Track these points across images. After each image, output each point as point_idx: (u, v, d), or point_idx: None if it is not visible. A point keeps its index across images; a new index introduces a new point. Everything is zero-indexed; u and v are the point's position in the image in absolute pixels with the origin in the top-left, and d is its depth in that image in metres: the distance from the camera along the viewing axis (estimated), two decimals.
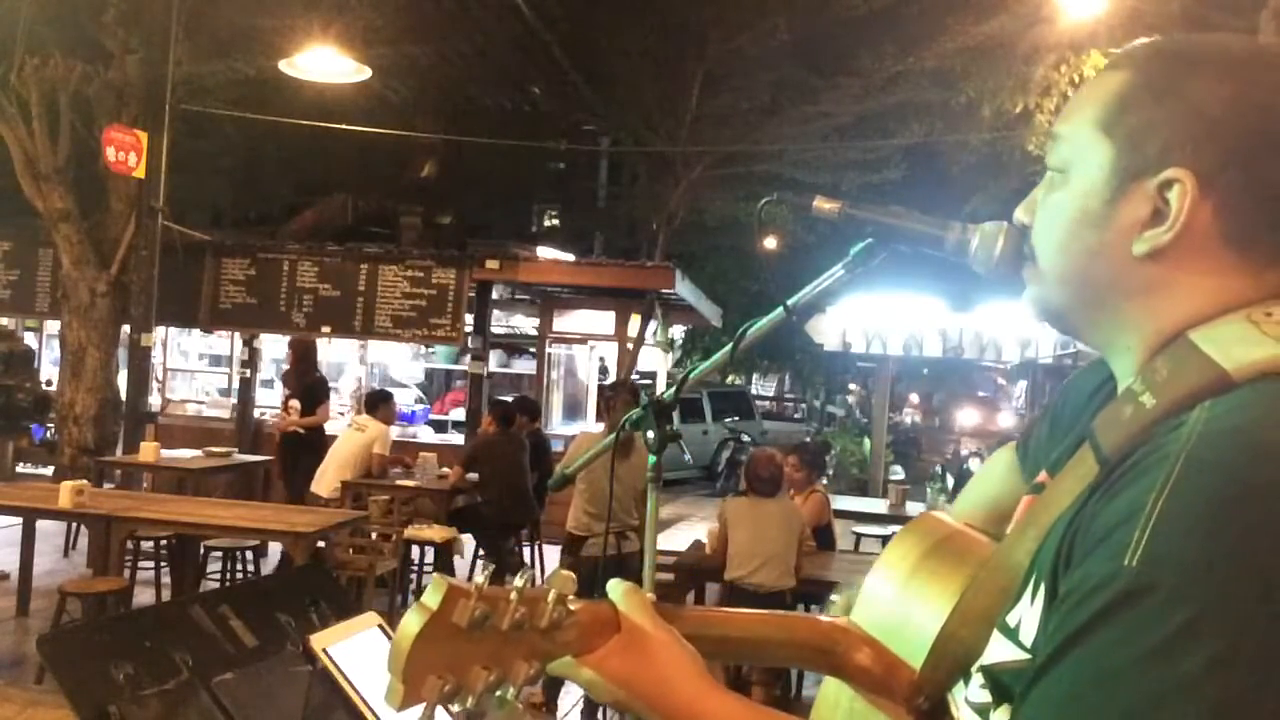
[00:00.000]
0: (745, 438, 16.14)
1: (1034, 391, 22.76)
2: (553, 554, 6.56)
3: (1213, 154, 0.72)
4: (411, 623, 0.69)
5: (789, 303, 1.24)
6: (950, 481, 12.56)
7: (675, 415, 1.50)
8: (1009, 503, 0.94)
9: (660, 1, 12.07)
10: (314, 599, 1.61)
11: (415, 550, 6.81)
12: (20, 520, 5.98)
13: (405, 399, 13.23)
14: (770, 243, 14.45)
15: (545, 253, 12.00)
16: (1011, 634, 0.72)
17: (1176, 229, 0.73)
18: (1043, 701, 0.63)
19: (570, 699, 4.91)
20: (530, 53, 12.66)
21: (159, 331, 9.42)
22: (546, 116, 15.42)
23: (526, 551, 7.28)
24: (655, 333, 12.12)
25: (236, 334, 11.08)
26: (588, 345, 11.67)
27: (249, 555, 6.12)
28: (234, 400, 10.79)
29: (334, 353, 13.00)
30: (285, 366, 8.76)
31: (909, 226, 1.00)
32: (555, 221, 20.76)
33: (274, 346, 10.95)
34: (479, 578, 0.72)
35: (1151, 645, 0.58)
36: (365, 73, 8.27)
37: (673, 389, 1.45)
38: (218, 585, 5.83)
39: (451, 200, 15.29)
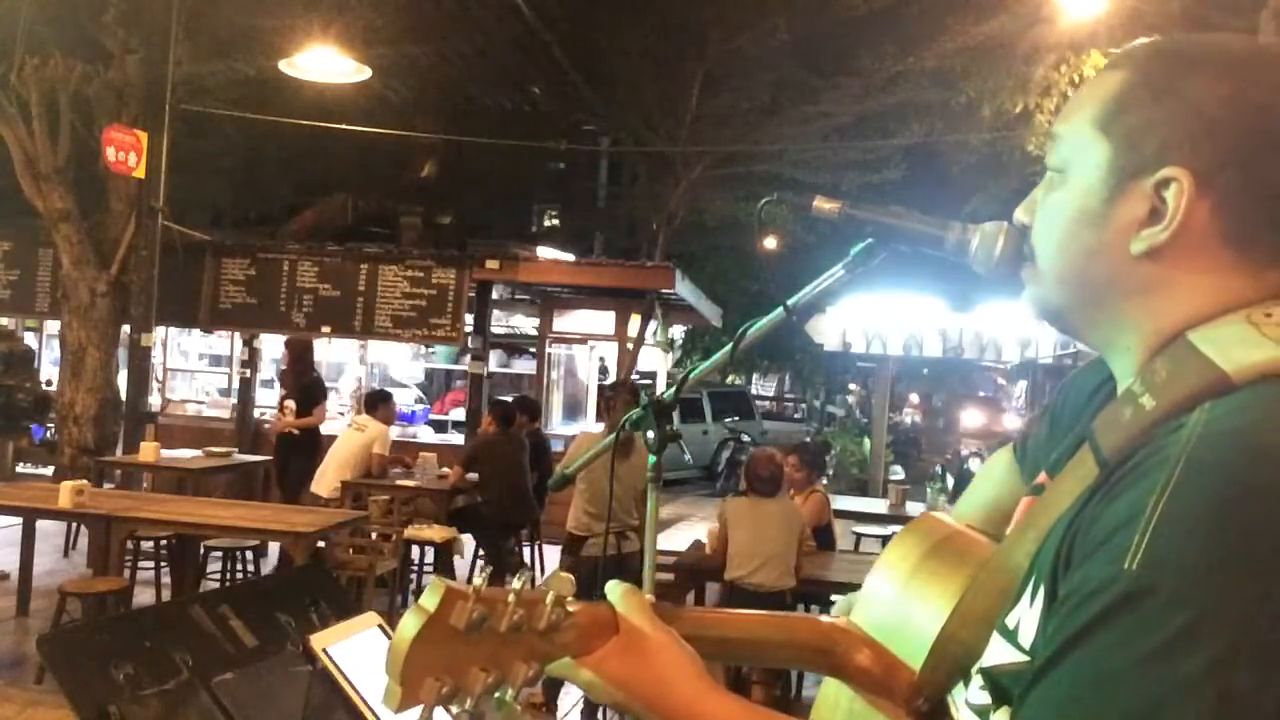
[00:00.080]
0: (745, 438, 16.14)
1: (1034, 391, 22.77)
2: (553, 554, 6.55)
3: (1210, 153, 0.72)
4: (409, 625, 0.69)
5: (789, 303, 1.24)
6: (950, 481, 12.57)
7: (675, 415, 1.50)
8: (1009, 503, 0.94)
9: (660, 1, 12.07)
10: (314, 599, 1.61)
11: (415, 550, 6.81)
12: (20, 520, 5.99)
13: (405, 399, 13.23)
14: (770, 243, 14.45)
15: (545, 253, 12.00)
16: (1011, 636, 0.72)
17: (1174, 228, 0.73)
18: (1042, 704, 0.63)
19: (570, 699, 4.91)
20: (530, 53, 12.66)
21: (159, 331, 9.42)
22: (546, 116, 15.43)
23: (526, 551, 7.28)
24: (655, 333, 12.12)
25: (236, 334, 11.08)
26: (588, 345, 11.67)
27: (249, 555, 6.12)
28: (234, 400, 10.79)
29: (334, 353, 13.00)
30: (283, 367, 8.76)
31: (909, 226, 1.00)
32: (555, 221, 20.77)
33: (274, 346, 10.95)
34: (478, 580, 0.72)
35: (1151, 648, 0.58)
36: (365, 73, 8.28)
37: (673, 389, 1.45)
38: (218, 585, 5.83)
39: (451, 200, 15.29)
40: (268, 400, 10.82)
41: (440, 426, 12.33)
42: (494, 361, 12.23)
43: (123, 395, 9.03)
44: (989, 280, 0.92)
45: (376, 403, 7.24)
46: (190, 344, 13.25)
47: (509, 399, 7.66)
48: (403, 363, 14.71)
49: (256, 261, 9.88)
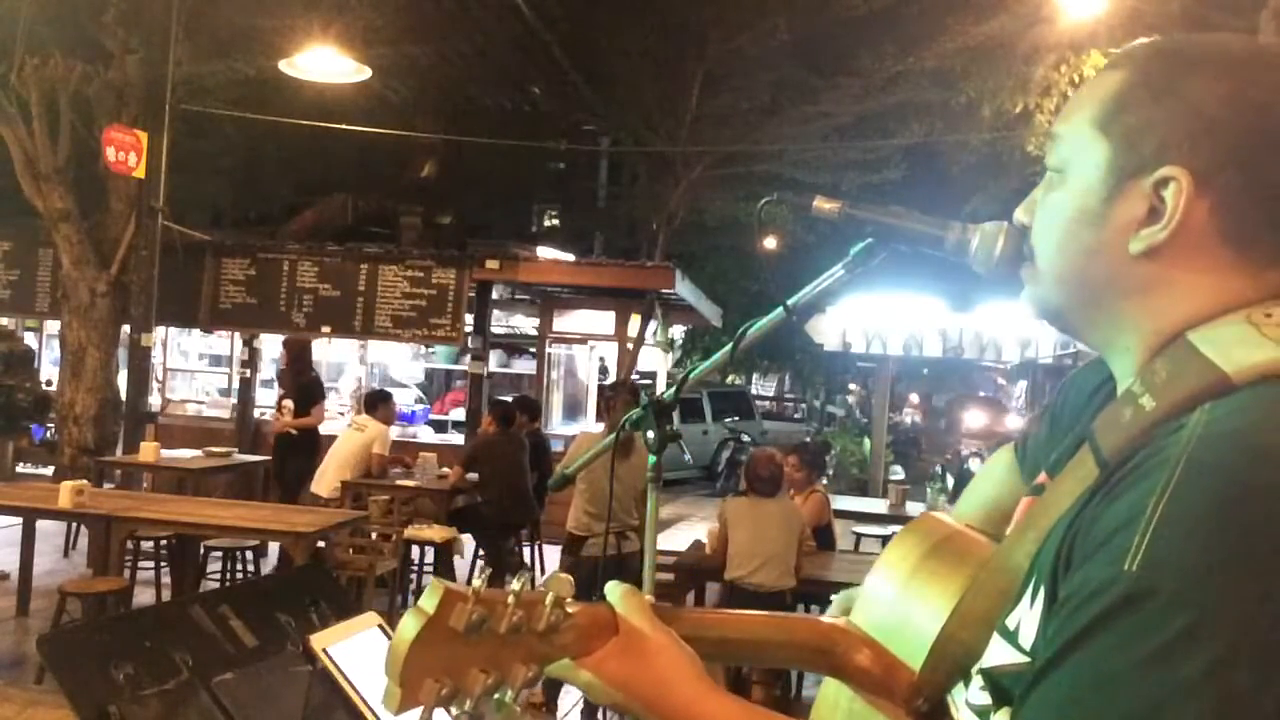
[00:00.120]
0: (745, 438, 16.14)
1: (1034, 391, 22.77)
2: (553, 554, 6.56)
3: (1209, 152, 0.72)
4: (408, 627, 0.69)
5: (789, 303, 1.24)
6: (950, 481, 12.57)
7: (675, 415, 1.50)
8: (1009, 503, 0.94)
9: (660, 1, 12.08)
10: (314, 599, 1.61)
11: (415, 550, 6.81)
12: (20, 520, 5.98)
13: (405, 399, 13.23)
14: (770, 243, 14.46)
15: (545, 253, 12.00)
16: (1011, 637, 0.72)
17: (1172, 227, 0.73)
18: (1042, 705, 0.63)
19: (570, 699, 4.91)
20: (530, 53, 12.67)
21: (159, 331, 9.42)
22: (546, 116, 15.43)
23: (526, 551, 7.28)
24: (655, 333, 12.12)
25: (236, 334, 11.08)
26: (588, 345, 11.67)
27: (249, 555, 6.12)
28: (234, 400, 10.79)
29: (334, 353, 13.00)
30: (281, 367, 8.76)
31: (909, 226, 1.00)
32: (555, 221, 20.77)
33: (274, 346, 10.94)
34: (477, 581, 0.72)
35: (1152, 649, 0.58)
36: (365, 73, 8.28)
37: (673, 389, 1.45)
38: (218, 585, 5.83)
39: (451, 200, 15.30)
40: (268, 400, 10.82)
41: (440, 426, 12.34)
42: (494, 361, 12.23)
43: (123, 395, 9.03)
44: (989, 280, 0.92)
45: (376, 403, 7.24)
46: (190, 344, 13.25)
47: (509, 399, 7.65)
48: (403, 363, 14.71)
49: (256, 261, 9.88)
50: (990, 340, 12.32)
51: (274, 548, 6.21)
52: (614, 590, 0.84)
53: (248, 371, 10.50)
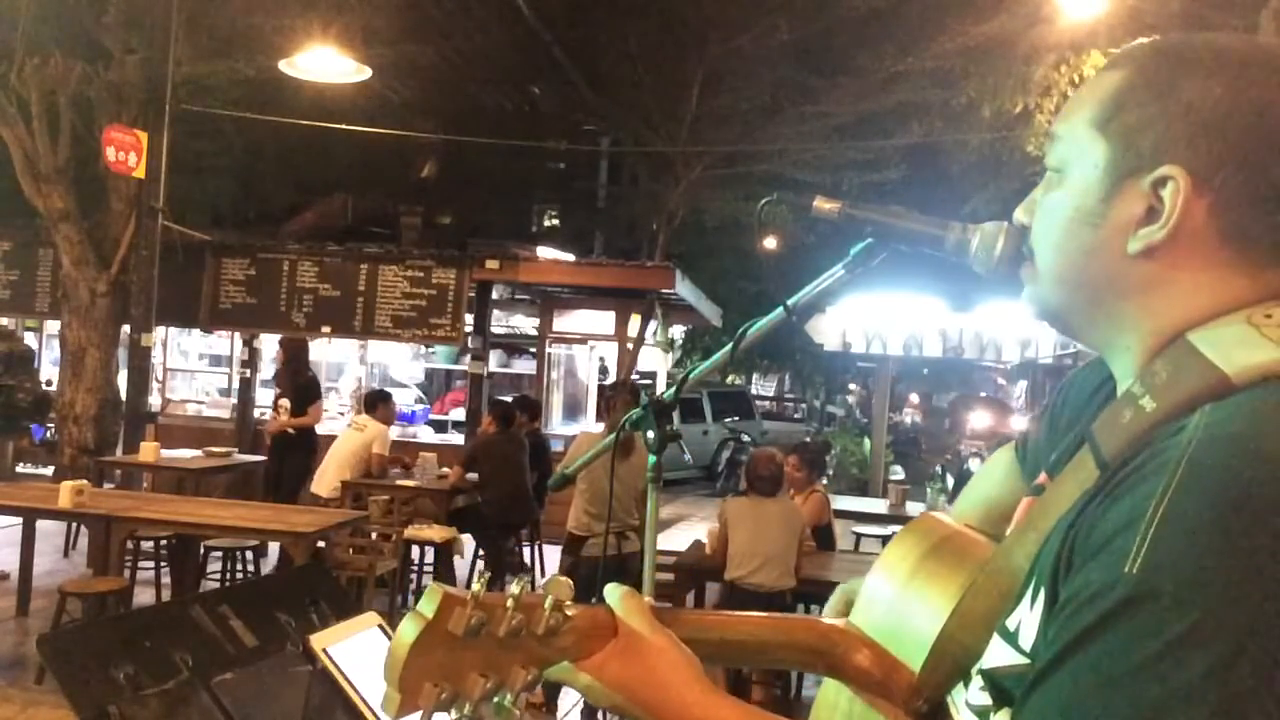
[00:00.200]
0: (745, 438, 16.14)
1: (1034, 391, 22.77)
2: (553, 554, 6.55)
3: (1207, 152, 0.72)
4: (407, 631, 0.69)
5: (789, 303, 1.24)
6: (950, 481, 12.59)
7: (675, 415, 1.50)
8: (1009, 503, 0.94)
9: (660, 1, 12.08)
10: (314, 599, 1.61)
11: (415, 550, 6.81)
12: (20, 520, 5.98)
13: (405, 399, 13.23)
14: (770, 243, 14.45)
15: (545, 253, 12.00)
16: (1011, 638, 0.72)
17: (1170, 227, 0.73)
18: (1042, 707, 0.63)
19: (570, 700, 4.91)
20: (530, 53, 12.68)
21: (159, 331, 9.42)
22: (546, 116, 15.44)
23: (526, 551, 7.28)
24: (655, 333, 12.12)
25: (236, 334, 11.08)
26: (588, 345, 11.67)
27: (249, 555, 6.12)
28: (234, 400, 10.79)
29: (334, 353, 13.01)
30: (277, 366, 8.76)
31: (909, 226, 1.00)
32: (555, 221, 20.77)
33: (274, 346, 10.94)
34: (476, 584, 0.72)
35: (1152, 652, 0.58)
36: (365, 73, 8.28)
37: (673, 389, 1.45)
38: (218, 585, 5.83)
39: (451, 200, 15.31)
40: (268, 400, 10.83)
41: (440, 426, 12.34)
42: (494, 361, 12.24)
43: (123, 395, 9.03)
44: (989, 280, 0.92)
45: (376, 403, 7.24)
46: (190, 344, 13.26)
47: (509, 399, 7.65)
48: (403, 363, 14.71)
49: (256, 261, 9.88)
50: (990, 340, 12.32)
51: (274, 548, 6.21)
52: (613, 592, 0.84)
53: (248, 371, 10.50)
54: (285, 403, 7.75)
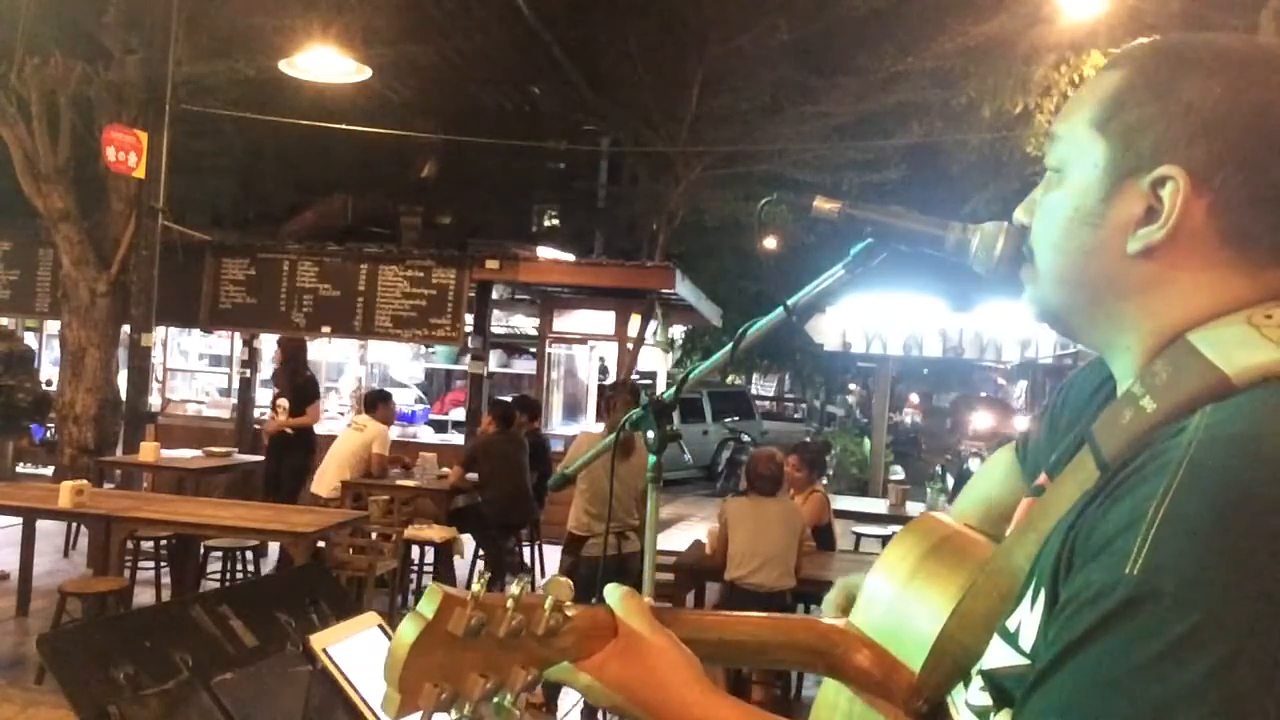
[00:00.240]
0: (745, 438, 16.14)
1: (1034, 391, 22.77)
2: (553, 554, 6.55)
3: (1206, 152, 0.72)
4: (407, 631, 0.69)
5: (789, 303, 1.24)
6: (950, 481, 12.58)
7: (675, 415, 1.50)
8: (1008, 503, 0.94)
9: (660, 1, 12.08)
10: (314, 599, 1.61)
11: (415, 550, 6.81)
12: (20, 520, 5.98)
13: (405, 399, 13.23)
14: (770, 243, 14.45)
15: (545, 253, 12.00)
16: (1011, 639, 0.72)
17: (1169, 227, 0.73)
18: (1043, 708, 0.63)
19: (570, 700, 4.91)
20: (530, 53, 12.68)
21: (159, 331, 9.42)
22: (546, 116, 15.44)
23: (526, 551, 7.28)
24: (655, 333, 12.12)
25: (236, 334, 11.08)
26: (588, 345, 11.67)
27: (249, 555, 6.12)
28: (234, 400, 10.79)
29: (334, 353, 13.01)
30: (275, 366, 8.76)
31: (909, 226, 1.00)
32: (555, 221, 20.76)
33: (274, 346, 10.95)
34: (476, 585, 0.72)
35: (1153, 653, 0.58)
36: (365, 73, 8.28)
37: (673, 389, 1.45)
38: (218, 585, 5.83)
39: (451, 200, 15.31)
40: (268, 400, 10.83)
41: (440, 426, 12.34)
42: (494, 361, 12.24)
43: (123, 395, 9.03)
44: (989, 280, 0.92)
45: (376, 403, 7.24)
46: (190, 344, 13.26)
47: (509, 399, 7.65)
48: (403, 363, 14.72)
49: (256, 261, 9.88)
50: (990, 340, 12.33)
51: (274, 548, 6.21)
52: (613, 593, 0.84)
53: (248, 371, 10.50)
54: (283, 403, 7.75)
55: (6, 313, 10.73)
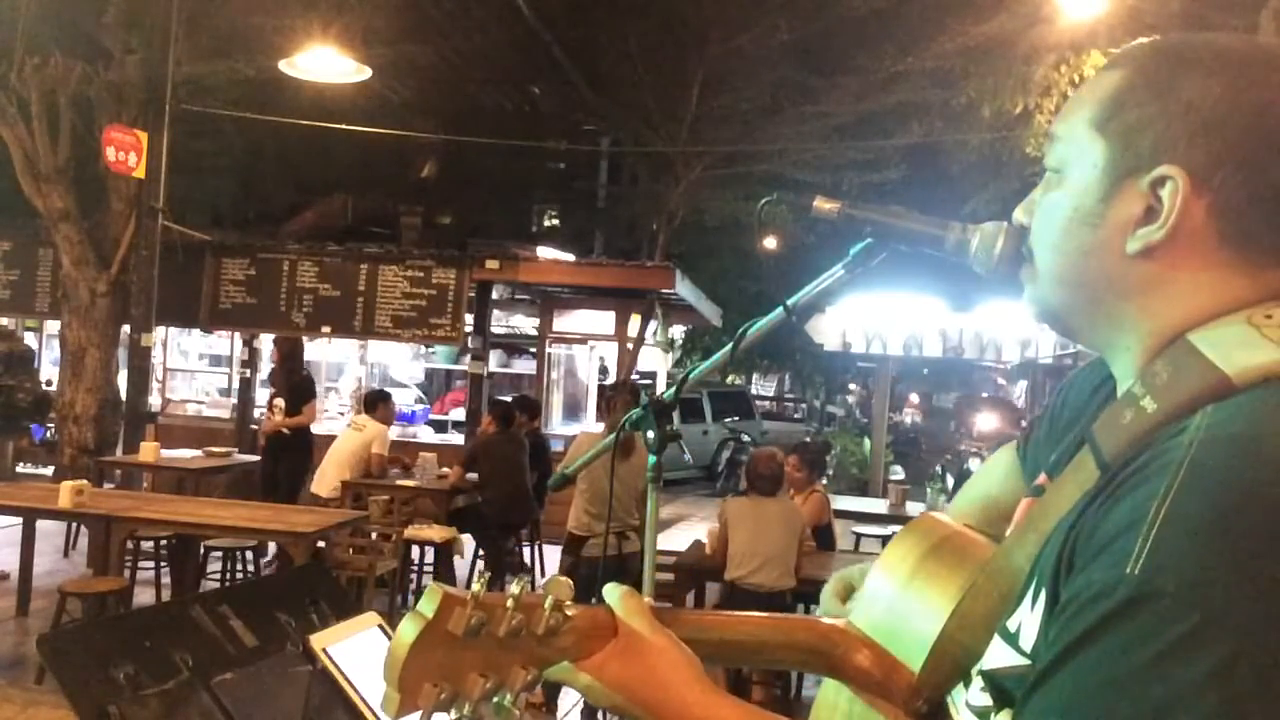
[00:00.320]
0: (745, 438, 16.14)
1: (1034, 391, 22.76)
2: (553, 554, 6.56)
3: (1206, 151, 0.72)
4: (407, 631, 0.69)
5: (789, 303, 1.24)
6: (950, 481, 12.58)
7: (675, 415, 1.50)
8: (1008, 503, 0.94)
9: (660, 1, 12.09)
10: (314, 599, 1.61)
11: (415, 550, 6.81)
12: (20, 520, 5.98)
13: (405, 399, 13.24)
14: (770, 243, 14.45)
15: (545, 253, 12.00)
16: (1011, 639, 0.72)
17: (1169, 227, 0.73)
18: (1043, 708, 0.63)
19: (570, 700, 4.91)
20: (530, 53, 12.68)
21: (159, 331, 9.42)
22: (546, 116, 15.45)
23: (526, 551, 7.28)
24: (655, 333, 12.13)
25: (236, 334, 11.08)
26: (588, 345, 11.67)
27: (249, 555, 6.12)
28: (234, 400, 10.80)
29: (334, 353, 13.01)
30: (272, 365, 8.76)
31: (909, 226, 1.00)
32: (555, 221, 20.76)
33: (272, 347, 10.95)
34: (476, 585, 0.72)
35: (1154, 653, 0.58)
36: (365, 73, 8.28)
37: (673, 389, 1.45)
38: (218, 585, 5.83)
39: (451, 200, 15.31)
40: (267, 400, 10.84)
41: (440, 426, 12.34)
42: (494, 361, 12.24)
43: (123, 395, 9.03)
44: (989, 280, 0.92)
45: (375, 403, 7.24)
46: (190, 344, 13.26)
47: (509, 399, 7.65)
48: (403, 363, 14.72)
49: (256, 261, 9.88)
50: (990, 340, 12.33)
51: (274, 548, 6.21)
52: (613, 592, 0.84)
53: (248, 371, 10.50)
54: (280, 402, 7.74)
55: (6, 313, 10.73)
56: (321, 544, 5.56)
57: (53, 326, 11.46)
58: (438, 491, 6.93)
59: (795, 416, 22.36)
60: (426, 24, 11.37)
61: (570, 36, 12.38)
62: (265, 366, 10.89)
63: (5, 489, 6.21)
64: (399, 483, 6.87)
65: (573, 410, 12.46)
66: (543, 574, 7.11)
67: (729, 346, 1.37)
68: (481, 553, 6.96)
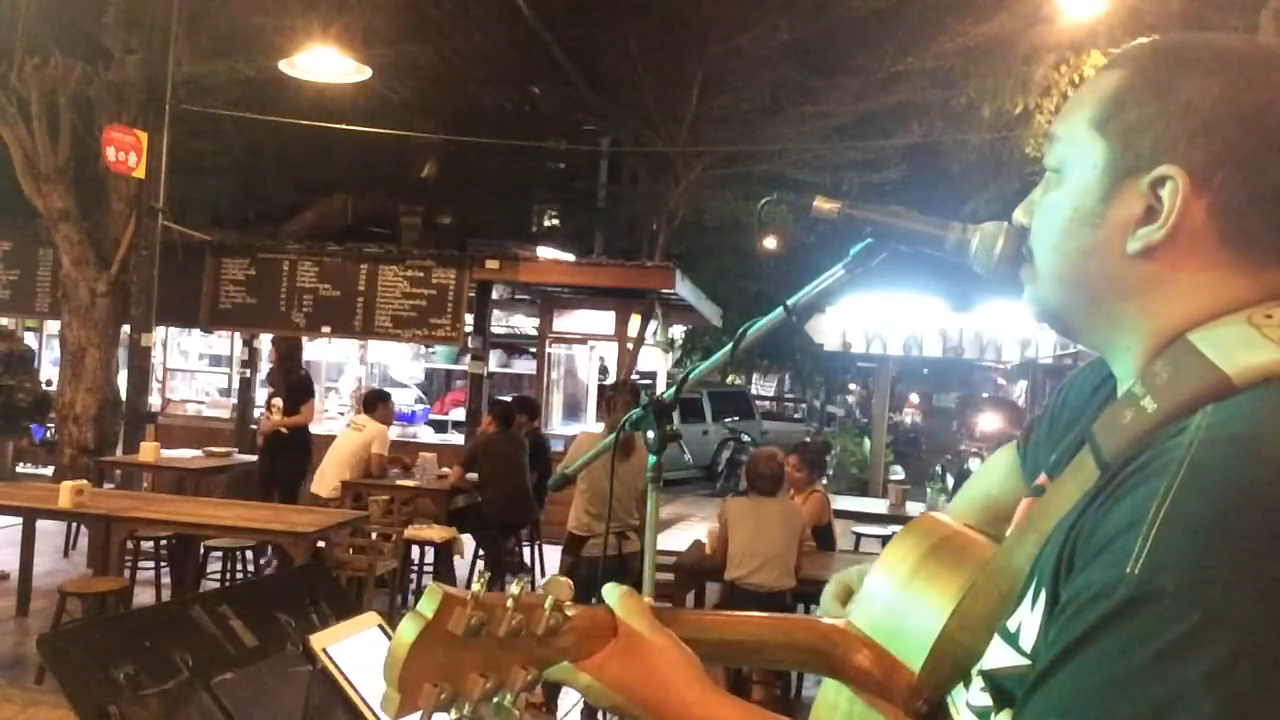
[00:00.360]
0: (745, 438, 16.14)
1: (1034, 391, 22.76)
2: (553, 554, 6.56)
3: (1206, 151, 0.72)
4: (407, 631, 0.69)
5: (789, 303, 1.24)
6: (950, 481, 12.58)
7: (675, 415, 1.50)
8: (1008, 502, 0.94)
9: (660, 1, 12.09)
10: (314, 599, 1.61)
11: (415, 550, 6.81)
12: (20, 520, 5.99)
13: (405, 399, 13.24)
14: (770, 243, 14.45)
15: (545, 253, 12.00)
16: (1012, 639, 0.72)
17: (1169, 226, 0.73)
18: (1044, 708, 0.63)
19: (570, 700, 4.91)
20: (530, 53, 12.68)
21: (159, 331, 9.42)
22: (546, 116, 15.44)
23: (526, 551, 7.28)
24: (655, 333, 12.13)
25: (236, 334, 11.08)
26: (588, 345, 11.67)
27: (249, 555, 6.12)
28: (234, 400, 10.80)
29: (334, 353, 13.01)
30: (270, 365, 8.76)
31: (909, 226, 1.00)
32: (555, 221, 20.76)
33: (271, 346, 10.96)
34: (476, 585, 0.72)
35: (1154, 653, 0.58)
36: (365, 73, 8.28)
37: (673, 389, 1.45)
38: (218, 585, 5.82)
39: (451, 200, 15.31)
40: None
41: (440, 426, 12.34)
42: (494, 361, 12.24)
43: (123, 395, 9.03)
44: (989, 280, 0.92)
45: (375, 403, 7.24)
46: (190, 344, 13.27)
47: (509, 399, 7.65)
48: (403, 363, 14.73)
49: (256, 261, 9.88)
50: (990, 340, 12.33)
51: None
52: (613, 592, 0.84)
53: (248, 371, 10.50)
54: (278, 402, 7.74)
55: (6, 313, 10.73)
56: (321, 544, 5.56)
57: (53, 326, 11.47)
58: (438, 491, 6.93)
59: (795, 416, 22.36)
60: (426, 24, 11.37)
61: (570, 36, 12.38)
62: (265, 366, 10.90)
63: (5, 489, 6.21)
64: (399, 483, 6.87)
65: (573, 410, 12.46)
66: (543, 574, 7.11)
67: (729, 346, 1.37)
68: (481, 553, 6.96)
